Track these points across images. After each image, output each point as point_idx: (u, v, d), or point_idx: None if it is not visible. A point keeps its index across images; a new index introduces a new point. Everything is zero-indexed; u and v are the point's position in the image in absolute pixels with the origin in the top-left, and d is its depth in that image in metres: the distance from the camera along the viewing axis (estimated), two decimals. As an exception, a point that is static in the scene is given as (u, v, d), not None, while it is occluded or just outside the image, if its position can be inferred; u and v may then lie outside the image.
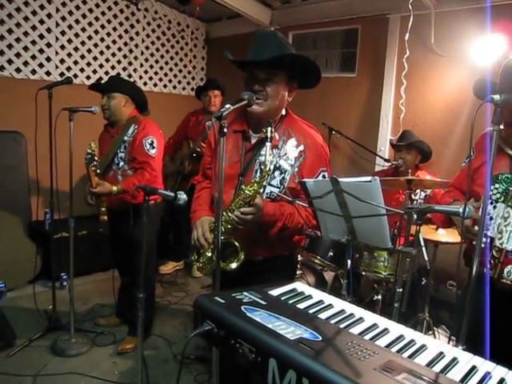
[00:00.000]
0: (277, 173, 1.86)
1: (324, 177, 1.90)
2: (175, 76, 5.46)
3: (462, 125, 3.61)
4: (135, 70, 5.05)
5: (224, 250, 1.78)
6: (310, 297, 1.44)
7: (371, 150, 3.86)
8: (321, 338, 1.11)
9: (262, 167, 1.79)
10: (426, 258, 2.79)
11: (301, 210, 1.86)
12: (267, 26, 4.92)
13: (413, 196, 3.31)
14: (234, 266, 1.79)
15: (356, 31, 4.33)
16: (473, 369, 1.03)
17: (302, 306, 1.36)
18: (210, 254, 1.83)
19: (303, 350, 1.04)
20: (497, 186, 1.80)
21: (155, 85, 5.26)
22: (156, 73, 5.29)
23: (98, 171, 2.90)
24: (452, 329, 2.60)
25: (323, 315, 1.30)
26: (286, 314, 1.23)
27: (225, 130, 1.59)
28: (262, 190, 1.79)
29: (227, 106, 1.63)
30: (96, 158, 2.82)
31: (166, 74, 5.37)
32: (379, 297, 3.18)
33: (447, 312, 3.38)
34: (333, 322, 1.26)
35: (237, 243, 1.80)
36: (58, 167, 3.15)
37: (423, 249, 2.74)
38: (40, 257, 3.88)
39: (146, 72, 5.17)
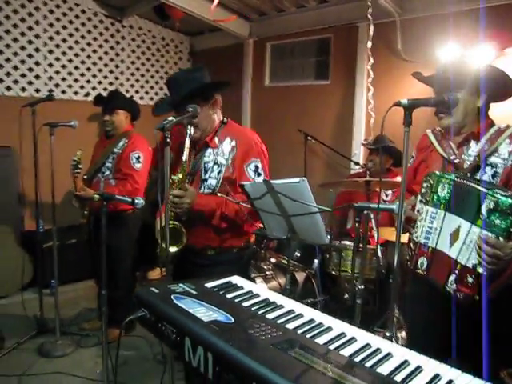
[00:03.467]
0: (215, 167, 2.15)
1: (256, 167, 2.14)
2: (161, 89, 5.66)
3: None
4: (121, 85, 5.26)
5: (171, 236, 1.98)
6: (240, 288, 1.59)
7: (342, 154, 4.01)
8: (233, 321, 1.27)
9: (206, 165, 2.15)
10: (380, 256, 2.93)
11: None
12: (246, 37, 5.13)
13: (384, 197, 3.46)
14: (173, 249, 2.02)
15: (329, 40, 4.51)
16: (436, 377, 1.04)
17: (230, 295, 1.51)
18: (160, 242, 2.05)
19: (211, 329, 1.19)
20: (425, 184, 1.93)
21: (141, 98, 5.46)
22: (142, 86, 5.49)
23: (85, 176, 3.14)
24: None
25: (246, 303, 1.44)
26: (211, 301, 1.39)
27: (168, 140, 1.77)
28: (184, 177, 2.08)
29: (170, 118, 1.81)
30: (79, 166, 3.06)
31: (151, 87, 5.57)
32: (348, 295, 3.31)
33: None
34: (253, 308, 1.41)
35: (180, 228, 2.05)
36: (44, 179, 3.30)
37: (378, 248, 2.88)
38: (31, 265, 4.07)
39: (132, 86, 5.38)
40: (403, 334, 2.92)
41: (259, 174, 2.15)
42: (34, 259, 4.11)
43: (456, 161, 1.92)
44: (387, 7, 3.66)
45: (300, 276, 3.43)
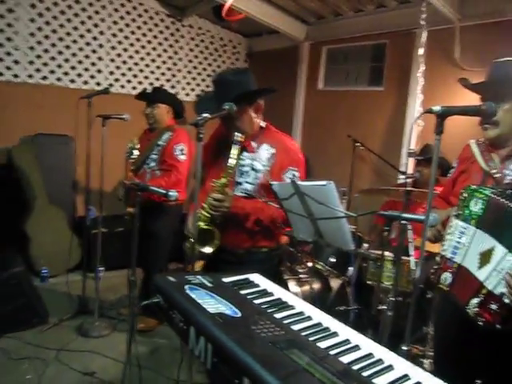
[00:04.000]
0: (252, 172, 2.14)
1: (294, 175, 2.11)
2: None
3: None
4: (178, 82, 5.44)
5: (204, 237, 2.06)
6: (256, 285, 1.61)
7: (390, 163, 3.92)
8: (240, 315, 1.29)
9: (241, 169, 2.14)
10: (414, 268, 2.82)
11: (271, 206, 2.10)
12: (302, 41, 5.13)
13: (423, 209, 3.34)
14: (207, 249, 2.07)
15: (384, 46, 4.42)
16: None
17: (244, 291, 1.53)
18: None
19: (215, 321, 1.22)
20: (460, 197, 1.85)
21: (197, 96, 5.60)
22: (198, 84, 5.65)
23: (132, 168, 3.28)
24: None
25: (258, 301, 1.46)
26: (223, 295, 1.42)
27: (201, 135, 1.82)
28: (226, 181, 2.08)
29: (205, 115, 1.86)
30: (134, 152, 3.19)
31: (207, 86, 5.70)
32: (384, 306, 3.23)
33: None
34: (263, 306, 1.42)
35: (214, 230, 2.09)
36: (95, 169, 3.47)
37: (411, 259, 2.78)
38: (79, 249, 4.30)
39: (188, 83, 5.55)
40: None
41: None
42: (83, 244, 4.34)
43: (496, 175, 1.83)
44: (446, 13, 3.53)
45: (334, 282, 3.39)
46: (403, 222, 2.43)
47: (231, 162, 2.02)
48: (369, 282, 3.21)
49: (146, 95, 3.66)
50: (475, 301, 1.55)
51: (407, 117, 4.17)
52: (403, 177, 3.69)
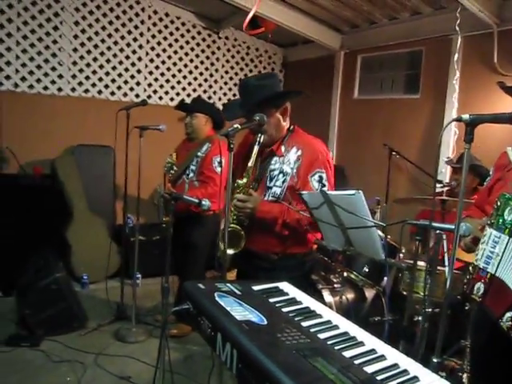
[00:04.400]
0: (280, 175, 2.16)
1: (321, 177, 2.12)
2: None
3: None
4: (215, 93, 5.55)
5: (233, 239, 2.08)
6: (285, 294, 1.62)
7: (426, 171, 3.84)
8: (266, 323, 1.31)
9: (271, 173, 2.18)
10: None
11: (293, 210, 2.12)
12: (337, 50, 5.13)
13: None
14: (230, 251, 2.08)
15: (420, 53, 4.36)
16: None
17: (272, 300, 1.54)
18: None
19: (242, 328, 1.24)
20: (495, 205, 1.81)
21: (223, 105, 5.69)
22: (235, 95, 5.72)
23: (171, 178, 3.37)
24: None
25: (286, 309, 1.47)
26: (251, 303, 1.44)
27: (232, 146, 1.87)
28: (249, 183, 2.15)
29: (236, 125, 1.90)
30: (174, 167, 3.28)
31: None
32: (420, 318, 3.16)
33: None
34: (291, 314, 1.43)
35: (241, 232, 2.11)
36: (133, 178, 3.57)
37: (447, 269, 2.70)
38: (118, 256, 4.43)
39: (225, 94, 5.65)
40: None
41: (323, 185, 2.13)
42: (122, 251, 4.47)
43: None
44: (483, 18, 3.46)
45: (369, 292, 3.34)
46: (438, 231, 2.38)
47: (252, 160, 2.07)
48: (404, 293, 3.16)
49: (185, 105, 3.75)
50: (510, 314, 1.50)
51: (444, 124, 4.08)
52: (440, 185, 3.62)
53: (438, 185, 3.66)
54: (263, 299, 1.54)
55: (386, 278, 3.14)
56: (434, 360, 1.61)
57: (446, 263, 2.61)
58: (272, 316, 1.36)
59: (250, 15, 3.80)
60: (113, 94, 4.84)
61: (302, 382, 1.00)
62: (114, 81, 4.83)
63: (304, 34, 4.82)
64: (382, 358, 1.20)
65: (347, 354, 1.19)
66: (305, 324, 1.35)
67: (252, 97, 2.13)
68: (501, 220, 1.62)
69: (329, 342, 1.25)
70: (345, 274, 3.44)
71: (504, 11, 3.56)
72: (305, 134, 2.28)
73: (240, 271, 2.46)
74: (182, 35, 5.17)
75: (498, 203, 1.65)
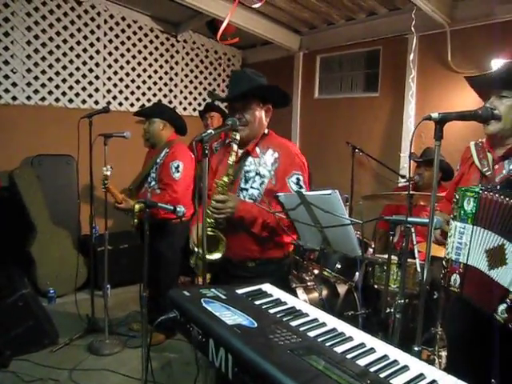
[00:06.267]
0: (257, 177, 2.17)
1: (298, 179, 2.15)
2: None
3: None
4: (175, 97, 5.50)
5: (209, 244, 2.03)
6: (269, 295, 1.64)
7: (389, 167, 3.96)
8: (256, 326, 1.32)
9: (247, 175, 2.17)
10: (419, 270, 2.85)
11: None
12: (296, 51, 5.21)
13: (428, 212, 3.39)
14: (215, 256, 2.06)
15: (378, 52, 4.49)
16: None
17: (258, 302, 1.55)
18: (196, 250, 2.10)
19: (234, 332, 1.25)
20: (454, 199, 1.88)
21: (194, 109, 5.67)
22: (195, 98, 5.70)
23: (131, 187, 3.28)
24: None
25: (273, 310, 1.48)
26: (239, 306, 1.44)
27: (206, 151, 1.86)
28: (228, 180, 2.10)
29: (209, 130, 1.90)
30: (106, 181, 3.23)
31: (204, 99, 5.75)
32: (392, 310, 3.25)
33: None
34: (278, 315, 1.44)
35: (219, 235, 2.09)
36: (99, 187, 3.48)
37: (417, 261, 2.81)
38: (86, 267, 4.32)
39: (185, 98, 5.61)
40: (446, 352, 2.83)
41: (300, 187, 2.14)
42: (89, 262, 4.36)
43: (488, 173, 1.87)
44: (437, 18, 3.60)
45: (341, 288, 3.41)
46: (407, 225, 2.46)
47: (232, 159, 2.06)
48: (375, 286, 3.24)
49: (142, 111, 3.68)
50: (503, 307, 1.53)
51: (404, 121, 4.22)
52: (403, 180, 3.74)
53: (401, 180, 3.79)
54: (249, 302, 1.55)
55: (357, 274, 3.22)
56: (416, 348, 1.67)
57: (417, 255, 2.70)
58: (261, 318, 1.37)
59: (224, 25, 3.80)
60: (71, 101, 4.70)
61: (302, 381, 1.02)
62: (71, 88, 4.69)
63: (263, 35, 4.86)
64: (371, 350, 1.23)
65: (338, 349, 1.23)
66: (293, 323, 1.38)
67: (242, 85, 2.13)
68: (462, 211, 1.69)
69: (319, 340, 1.28)
70: (317, 271, 3.51)
71: (455, 11, 3.73)
72: (278, 137, 2.31)
73: (215, 276, 2.43)
74: (140, 39, 5.09)
75: (457, 196, 1.73)
